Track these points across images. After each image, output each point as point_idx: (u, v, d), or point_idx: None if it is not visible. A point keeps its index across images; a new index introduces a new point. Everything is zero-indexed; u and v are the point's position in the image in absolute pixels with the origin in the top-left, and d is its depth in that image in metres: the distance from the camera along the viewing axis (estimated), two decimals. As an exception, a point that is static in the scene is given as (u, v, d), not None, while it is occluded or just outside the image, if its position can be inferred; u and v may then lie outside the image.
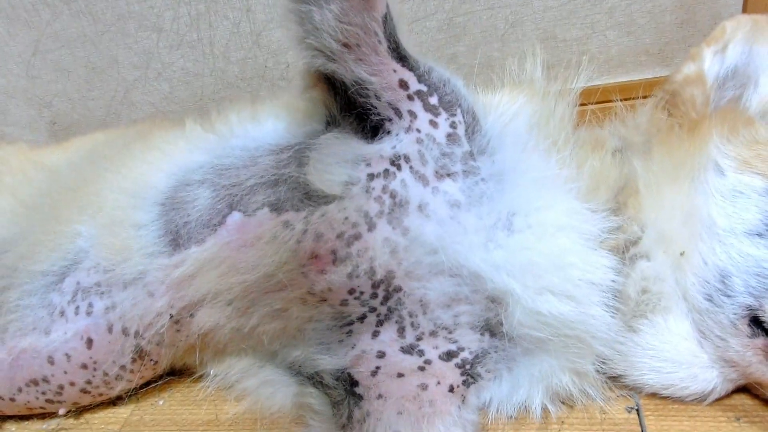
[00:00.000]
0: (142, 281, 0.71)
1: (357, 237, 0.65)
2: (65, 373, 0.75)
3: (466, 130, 0.67)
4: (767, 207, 0.64)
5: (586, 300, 0.64)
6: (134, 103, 1.35)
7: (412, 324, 0.67)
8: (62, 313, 0.74)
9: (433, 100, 0.67)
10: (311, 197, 0.67)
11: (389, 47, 0.64)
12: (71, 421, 0.82)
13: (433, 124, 0.67)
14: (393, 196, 0.65)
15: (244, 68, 1.27)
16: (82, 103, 1.38)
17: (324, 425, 0.68)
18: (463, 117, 0.68)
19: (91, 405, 0.82)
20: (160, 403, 0.84)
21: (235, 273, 0.68)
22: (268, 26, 1.21)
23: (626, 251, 0.69)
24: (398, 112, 0.67)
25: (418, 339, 0.67)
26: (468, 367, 0.68)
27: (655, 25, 1.11)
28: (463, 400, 0.67)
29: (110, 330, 0.73)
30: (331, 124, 0.72)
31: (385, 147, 0.67)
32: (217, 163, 0.74)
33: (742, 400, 0.69)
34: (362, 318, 0.68)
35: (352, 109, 0.69)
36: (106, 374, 0.76)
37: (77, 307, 0.73)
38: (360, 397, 0.66)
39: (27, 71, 1.35)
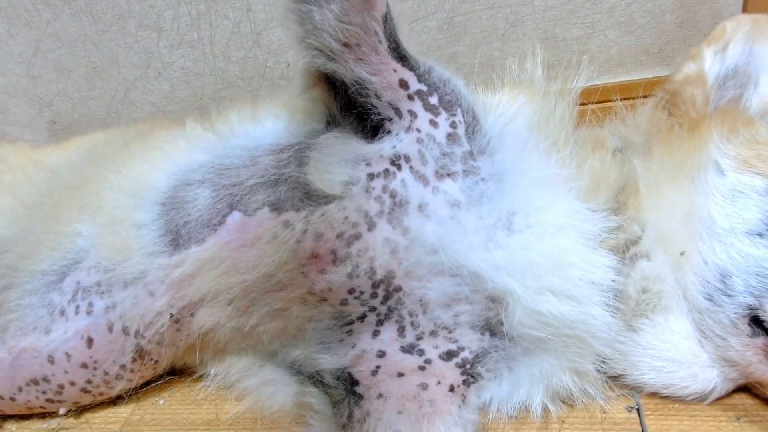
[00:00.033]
0: (142, 281, 0.71)
1: (357, 237, 0.65)
2: (65, 372, 0.75)
3: (466, 130, 0.67)
4: (767, 207, 0.64)
5: (586, 300, 0.64)
6: (135, 102, 1.35)
7: (412, 323, 0.67)
8: (62, 313, 0.74)
9: (433, 99, 0.67)
10: (311, 197, 0.67)
11: (389, 47, 0.64)
12: (71, 420, 0.82)
13: (434, 123, 0.67)
14: (393, 195, 0.65)
15: (245, 68, 1.27)
16: (83, 102, 1.38)
17: (324, 425, 0.68)
18: (464, 117, 0.68)
19: (91, 404, 0.82)
20: (161, 402, 0.84)
21: (235, 273, 0.68)
22: (268, 26, 1.21)
23: (626, 251, 0.69)
24: (398, 112, 0.67)
25: (419, 338, 0.67)
26: (468, 366, 0.68)
27: (655, 24, 1.11)
28: (463, 400, 0.67)
29: (110, 329, 0.73)
30: (331, 123, 0.72)
31: (385, 147, 0.67)
32: (218, 163, 0.74)
33: (743, 399, 0.69)
34: (362, 317, 0.68)
35: (352, 109, 0.69)
36: (106, 373, 0.76)
37: (77, 307, 0.74)
38: (360, 397, 0.66)
39: (27, 71, 1.35)
